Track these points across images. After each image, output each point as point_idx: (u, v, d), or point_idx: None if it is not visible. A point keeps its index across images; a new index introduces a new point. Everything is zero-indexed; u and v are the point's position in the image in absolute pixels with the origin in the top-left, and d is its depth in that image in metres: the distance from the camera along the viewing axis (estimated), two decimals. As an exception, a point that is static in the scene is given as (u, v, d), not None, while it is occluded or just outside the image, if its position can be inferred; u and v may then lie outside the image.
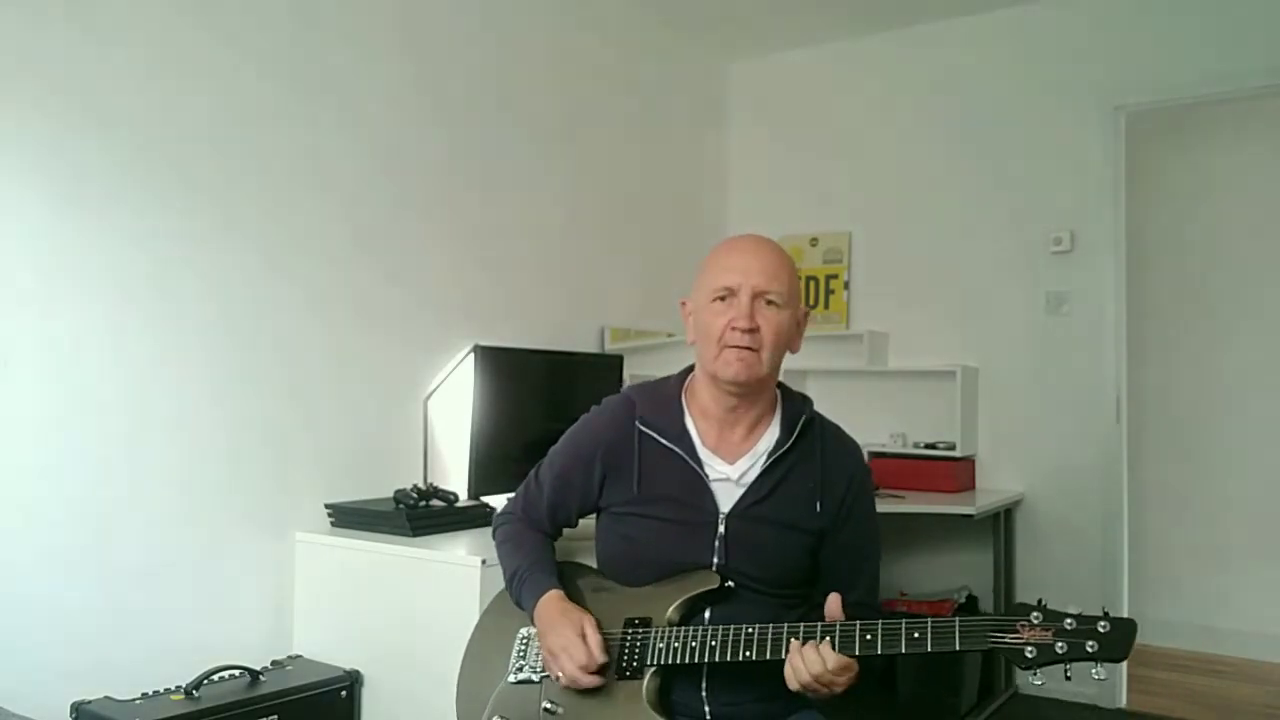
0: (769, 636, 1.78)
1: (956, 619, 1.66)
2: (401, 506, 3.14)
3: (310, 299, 3.31)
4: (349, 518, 3.24)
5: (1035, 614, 1.63)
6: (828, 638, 1.72)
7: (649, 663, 1.87)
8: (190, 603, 2.96)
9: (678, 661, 1.85)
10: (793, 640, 1.75)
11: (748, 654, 1.79)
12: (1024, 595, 4.67)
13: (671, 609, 1.90)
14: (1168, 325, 5.63)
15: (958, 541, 4.85)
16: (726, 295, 1.94)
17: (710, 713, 1.93)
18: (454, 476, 3.61)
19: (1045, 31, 4.77)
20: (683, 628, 1.88)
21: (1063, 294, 4.68)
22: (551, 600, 1.96)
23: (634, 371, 4.38)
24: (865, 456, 4.34)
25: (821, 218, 5.35)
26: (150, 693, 2.69)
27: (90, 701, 2.61)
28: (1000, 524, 4.61)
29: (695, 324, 2.02)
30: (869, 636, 1.71)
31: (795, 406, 2.05)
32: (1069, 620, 1.61)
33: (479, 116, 3.99)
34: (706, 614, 1.92)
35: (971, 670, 4.39)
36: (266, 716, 2.71)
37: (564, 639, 1.87)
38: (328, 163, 3.38)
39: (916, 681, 4.31)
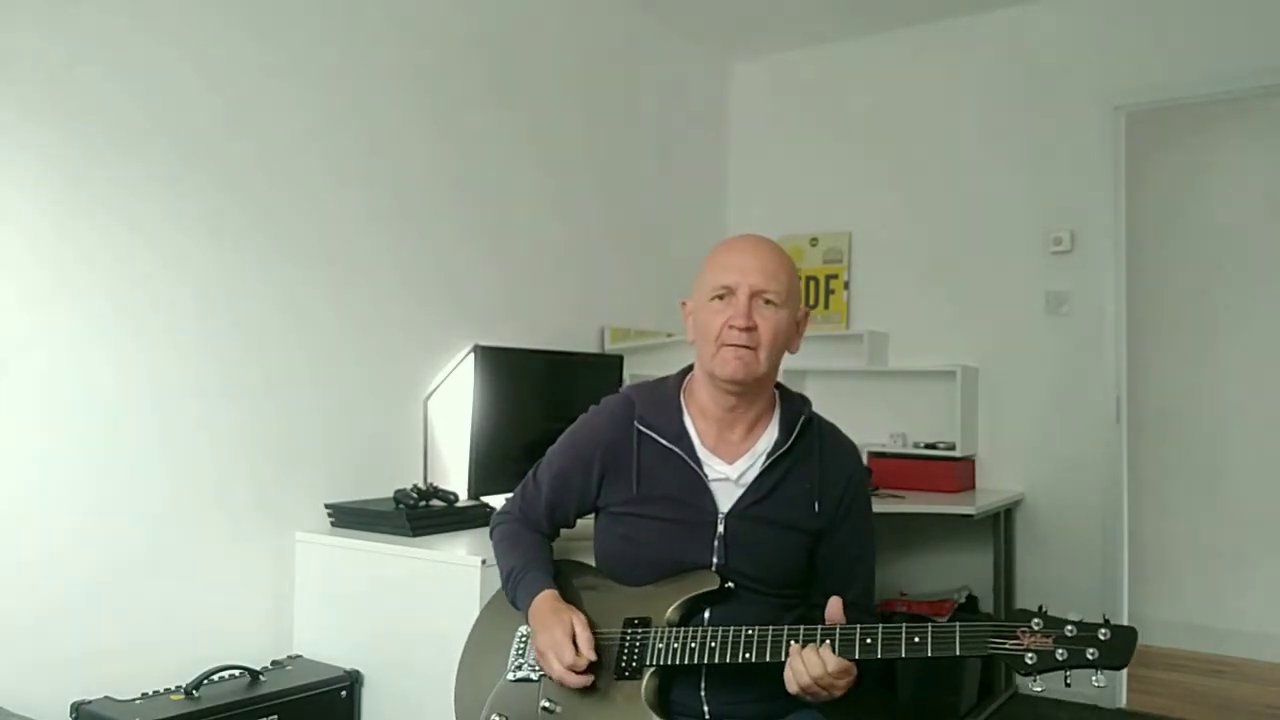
0: (769, 638, 1.78)
1: (957, 624, 1.66)
2: (401, 506, 3.14)
3: (311, 299, 3.31)
4: (349, 518, 3.24)
5: (1036, 620, 1.63)
6: (828, 641, 1.72)
7: (648, 663, 1.87)
8: (190, 603, 2.96)
9: (677, 662, 1.85)
10: (793, 643, 1.75)
11: (747, 656, 1.79)
12: (1024, 595, 4.68)
13: (671, 609, 1.91)
14: (1168, 325, 5.63)
15: (958, 541, 4.85)
16: (725, 294, 1.94)
17: (709, 712, 1.93)
18: (454, 476, 3.61)
19: (1045, 31, 4.77)
20: (682, 629, 1.88)
21: (1063, 294, 4.68)
22: (545, 600, 1.96)
23: (634, 371, 4.38)
24: (864, 455, 4.38)
25: (821, 218, 5.35)
26: (150, 693, 2.69)
27: (90, 701, 2.61)
28: (1000, 524, 4.61)
29: (694, 323, 2.02)
30: (869, 640, 1.71)
31: (794, 407, 2.05)
32: (1070, 627, 1.61)
33: (479, 116, 3.99)
34: (706, 614, 1.93)
35: (971, 671, 4.38)
36: (266, 716, 2.71)
37: (552, 638, 1.87)
38: (328, 163, 3.38)
39: (916, 682, 4.32)
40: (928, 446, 4.84)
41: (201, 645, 2.92)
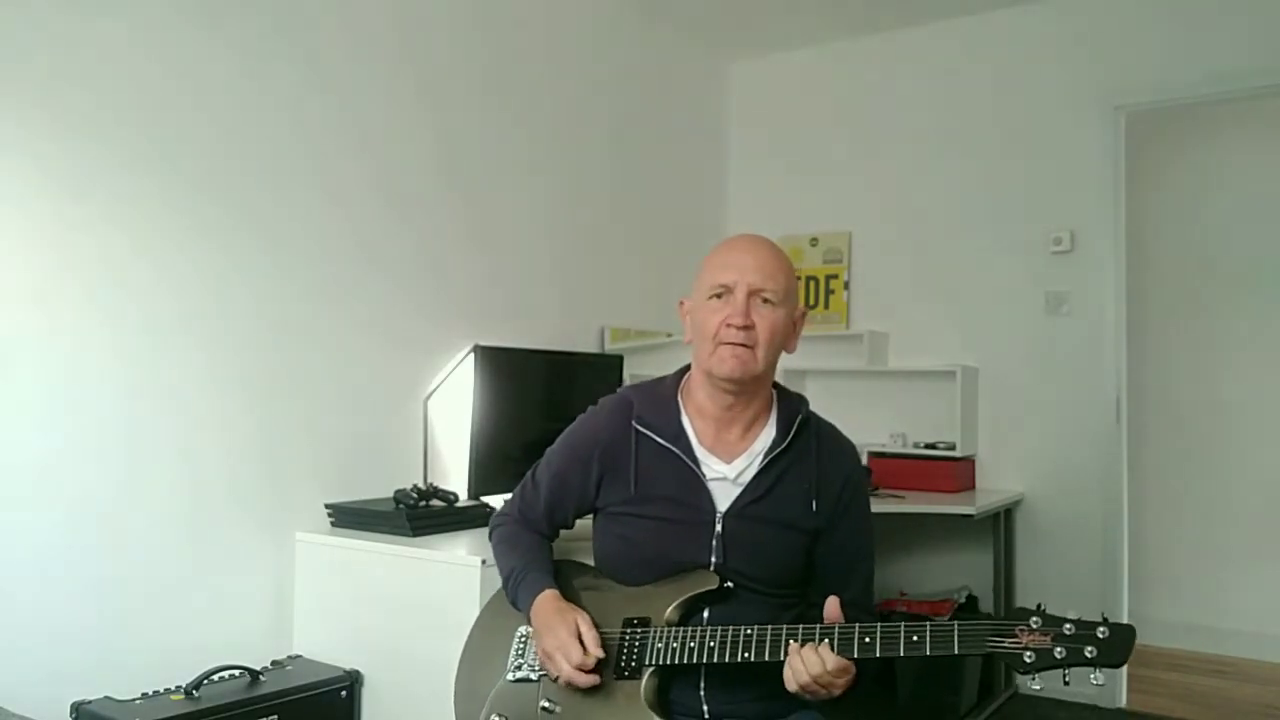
0: (768, 638, 1.79)
1: (955, 623, 1.66)
2: (401, 506, 3.14)
3: (310, 299, 3.31)
4: (349, 518, 3.24)
5: (1034, 618, 1.64)
6: (827, 639, 1.73)
7: (647, 662, 1.87)
8: (190, 602, 2.96)
9: (676, 662, 1.86)
10: (792, 642, 1.75)
11: (746, 655, 1.79)
12: (1024, 595, 4.68)
13: (670, 609, 1.91)
14: (1168, 325, 5.64)
15: (958, 541, 4.85)
16: (722, 293, 1.95)
17: (709, 712, 1.93)
18: (454, 476, 3.61)
19: (1045, 31, 4.77)
20: (682, 628, 1.88)
21: (1063, 294, 4.68)
22: (547, 600, 1.97)
23: (634, 371, 4.38)
24: (864, 455, 4.38)
25: (821, 218, 5.35)
26: (150, 693, 2.69)
27: (90, 701, 2.61)
28: (1000, 524, 4.61)
29: (692, 322, 2.03)
30: (868, 639, 1.71)
31: (791, 406, 2.06)
32: (1068, 625, 1.62)
33: (479, 116, 3.99)
34: (705, 614, 1.93)
35: (971, 670, 4.39)
36: (266, 716, 2.71)
37: (559, 639, 1.87)
38: (328, 163, 3.38)
39: (916, 681, 4.31)
40: (928, 446, 4.84)
41: (201, 645, 2.92)
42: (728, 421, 2.01)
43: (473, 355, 3.59)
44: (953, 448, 4.74)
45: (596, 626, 1.91)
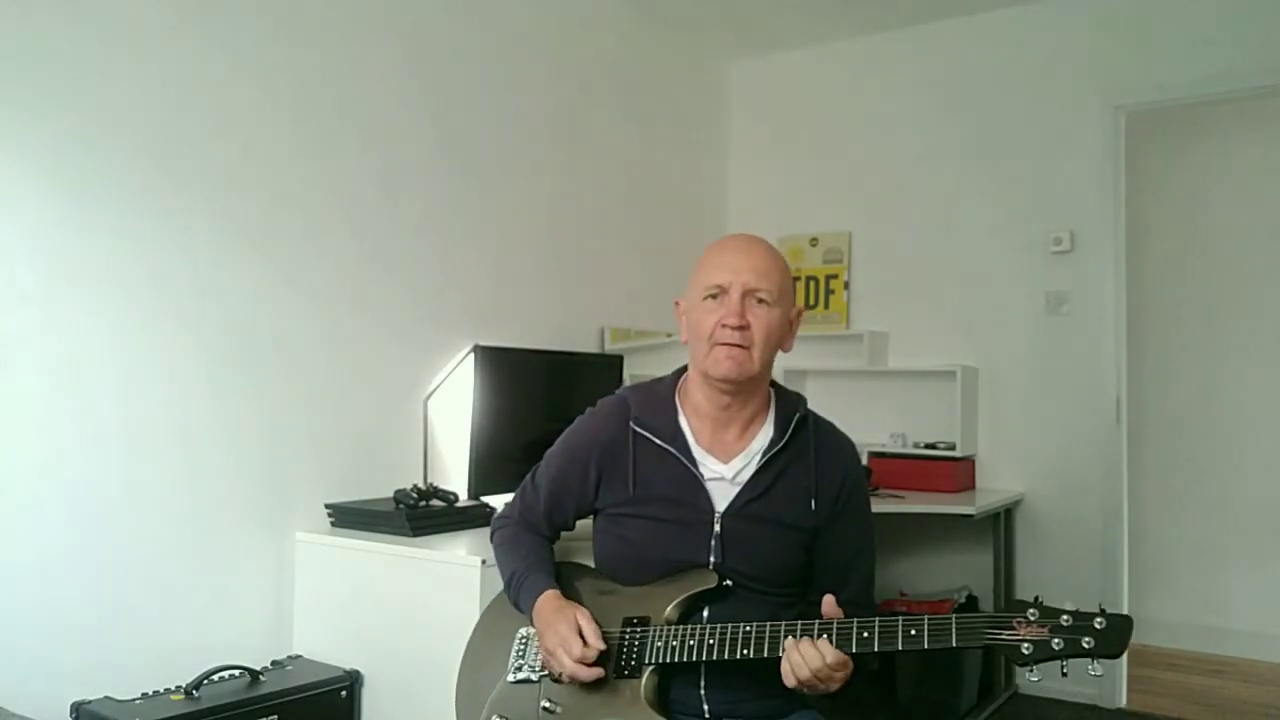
0: (766, 635, 1.79)
1: (953, 616, 1.67)
2: (401, 506, 3.14)
3: (310, 299, 3.31)
4: (349, 518, 3.24)
5: (1032, 610, 1.64)
6: (825, 635, 1.73)
7: (647, 661, 1.87)
8: (190, 603, 2.96)
9: (676, 660, 1.86)
10: (790, 637, 1.76)
11: (745, 652, 1.80)
12: (1024, 595, 4.65)
13: (670, 608, 1.91)
14: (1168, 325, 5.64)
15: (958, 541, 4.85)
16: (718, 293, 1.95)
17: (709, 711, 1.94)
18: (454, 476, 3.61)
19: (1045, 31, 4.77)
20: (681, 626, 1.88)
21: (1063, 294, 4.68)
22: (548, 600, 1.97)
23: (634, 371, 4.38)
24: (864, 455, 4.37)
25: (821, 218, 5.36)
26: (150, 693, 2.69)
27: (90, 701, 2.61)
28: (1000, 524, 4.61)
29: (688, 323, 2.04)
30: (866, 634, 1.72)
31: (789, 405, 2.06)
32: (1065, 617, 1.62)
33: (479, 116, 4.00)
34: (705, 613, 1.93)
35: (971, 670, 4.38)
36: (266, 716, 2.71)
37: (559, 635, 1.88)
38: (328, 163, 3.39)
39: (916, 682, 4.31)
40: (928, 446, 4.84)
41: (201, 645, 2.93)
42: (725, 421, 2.02)
43: (473, 355, 3.59)
44: (953, 448, 4.74)
45: (596, 623, 1.91)
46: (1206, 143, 5.57)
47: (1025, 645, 1.62)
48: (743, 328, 1.92)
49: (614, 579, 2.04)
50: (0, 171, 2.56)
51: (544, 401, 3.90)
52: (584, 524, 2.18)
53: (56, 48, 2.67)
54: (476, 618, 2.24)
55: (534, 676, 1.98)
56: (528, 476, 2.21)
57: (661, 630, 1.89)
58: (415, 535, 3.06)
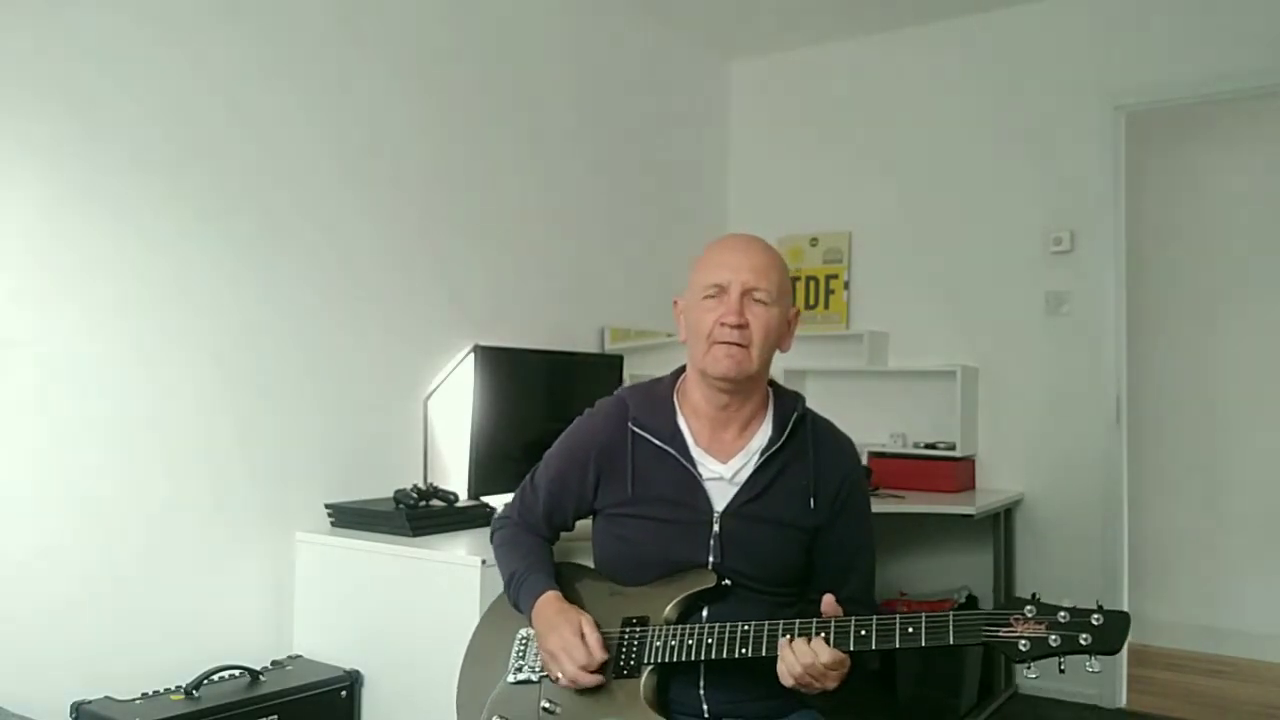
0: (764, 633, 1.79)
1: (950, 613, 1.67)
2: (401, 506, 3.14)
3: (311, 299, 3.32)
4: (349, 518, 3.24)
5: (1029, 607, 1.64)
6: (823, 633, 1.73)
7: (646, 661, 1.88)
8: (190, 603, 2.97)
9: (674, 659, 1.86)
10: (787, 635, 1.76)
11: (743, 651, 1.80)
12: (1024, 595, 4.66)
13: (669, 608, 1.92)
14: (1168, 325, 5.63)
15: (958, 541, 4.85)
16: (716, 292, 1.95)
17: (708, 711, 1.94)
18: (454, 476, 3.61)
19: (1045, 31, 4.77)
20: (679, 626, 1.88)
21: (1063, 294, 4.68)
22: (549, 601, 1.97)
23: (634, 371, 4.39)
24: (864, 455, 4.37)
25: (821, 218, 5.36)
26: (150, 693, 2.70)
27: (90, 701, 2.62)
28: (1000, 524, 4.61)
29: (686, 322, 2.04)
30: (864, 632, 1.72)
31: (787, 404, 2.06)
32: (1063, 613, 1.62)
33: (479, 116, 4.00)
34: (704, 612, 1.93)
35: (971, 670, 4.38)
36: (266, 716, 2.71)
37: (563, 639, 1.88)
38: (328, 163, 3.39)
39: (916, 682, 4.32)
40: (928, 446, 4.84)
41: (201, 645, 2.93)
42: (723, 421, 2.02)
43: (473, 355, 3.59)
44: (953, 448, 4.74)
45: (598, 627, 1.91)
46: (1206, 143, 5.57)
47: (1022, 642, 1.62)
48: (741, 326, 1.92)
49: (613, 579, 2.04)
50: (1, 171, 2.57)
51: (544, 401, 3.90)
52: (583, 524, 2.18)
53: (57, 49, 2.68)
54: (476, 618, 2.24)
55: (534, 677, 1.98)
56: (527, 477, 2.21)
57: (661, 630, 1.89)
58: (415, 535, 3.06)
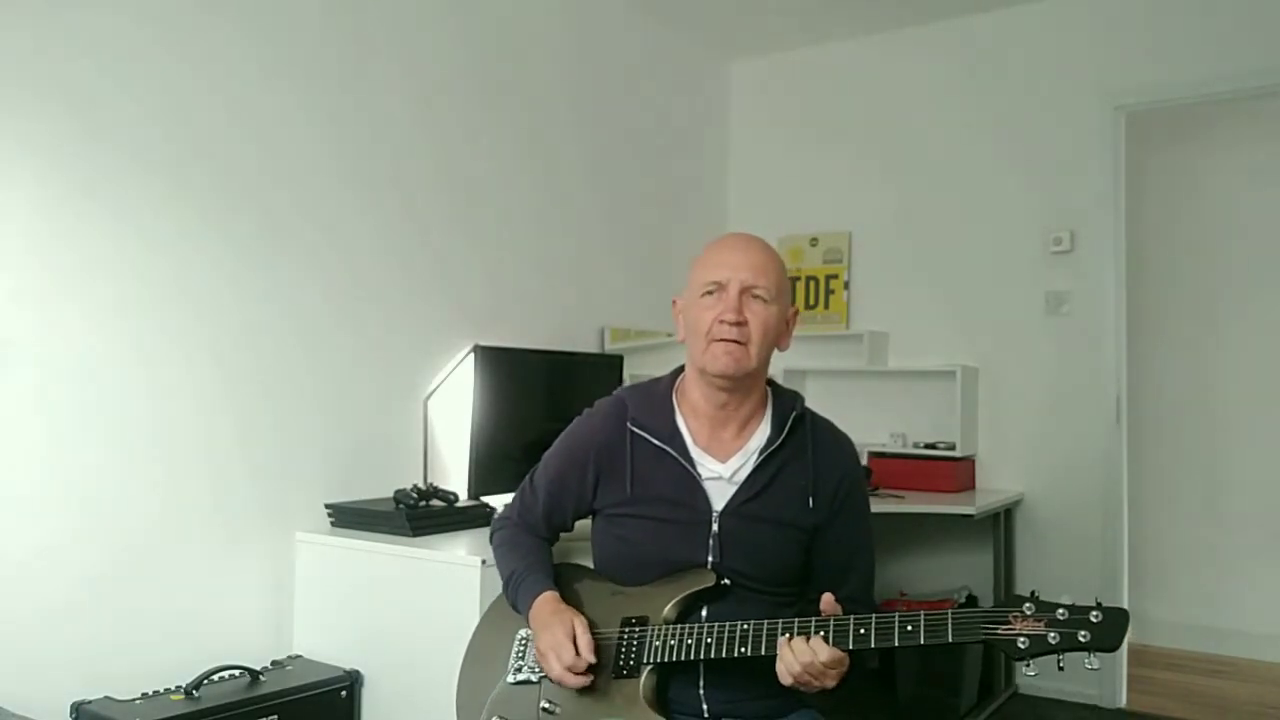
0: (764, 632, 1.79)
1: (949, 611, 1.67)
2: (401, 506, 3.14)
3: (311, 299, 3.32)
4: (349, 518, 3.24)
5: (1028, 605, 1.65)
6: (821, 631, 1.73)
7: (645, 661, 1.88)
8: (190, 602, 2.97)
9: (673, 659, 1.86)
10: (786, 634, 1.76)
11: (743, 650, 1.80)
12: (1022, 594, 4.66)
13: (668, 607, 1.92)
14: (1168, 325, 5.63)
15: (958, 541, 4.85)
16: (715, 290, 1.96)
17: (708, 710, 1.94)
18: (454, 476, 3.62)
19: (1045, 31, 4.77)
20: (679, 625, 1.89)
21: (1063, 294, 4.68)
22: (545, 601, 1.97)
23: (634, 371, 4.39)
24: (864, 455, 4.37)
25: (821, 218, 5.36)
26: (150, 693, 2.70)
27: (90, 701, 2.62)
28: (1000, 524, 4.61)
29: (685, 321, 2.04)
30: (863, 630, 1.72)
31: (786, 403, 2.06)
32: (1061, 611, 1.62)
33: (479, 116, 4.00)
34: (703, 612, 1.93)
35: (971, 669, 4.38)
36: (266, 716, 2.71)
37: (554, 638, 1.88)
38: (329, 164, 3.39)
39: (916, 681, 4.31)
40: (928, 446, 4.84)
41: (201, 645, 2.93)
42: (722, 420, 2.02)
43: (473, 355, 3.59)
44: (953, 448, 4.74)
45: (594, 629, 1.91)
46: (1206, 143, 5.57)
47: (1021, 640, 1.62)
48: (740, 323, 1.92)
49: (613, 579, 2.04)
50: (1, 171, 2.57)
51: (544, 401, 3.90)
52: (583, 525, 2.18)
53: (57, 49, 2.68)
54: (476, 618, 2.24)
55: (534, 677, 1.98)
56: (526, 478, 2.21)
57: (660, 630, 1.89)
58: (415, 535, 3.07)
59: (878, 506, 3.60)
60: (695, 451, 2.00)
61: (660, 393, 2.09)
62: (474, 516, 3.31)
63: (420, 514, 3.14)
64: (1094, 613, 1.61)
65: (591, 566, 2.14)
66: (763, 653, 1.78)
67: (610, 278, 4.70)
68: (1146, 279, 5.48)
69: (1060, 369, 4.69)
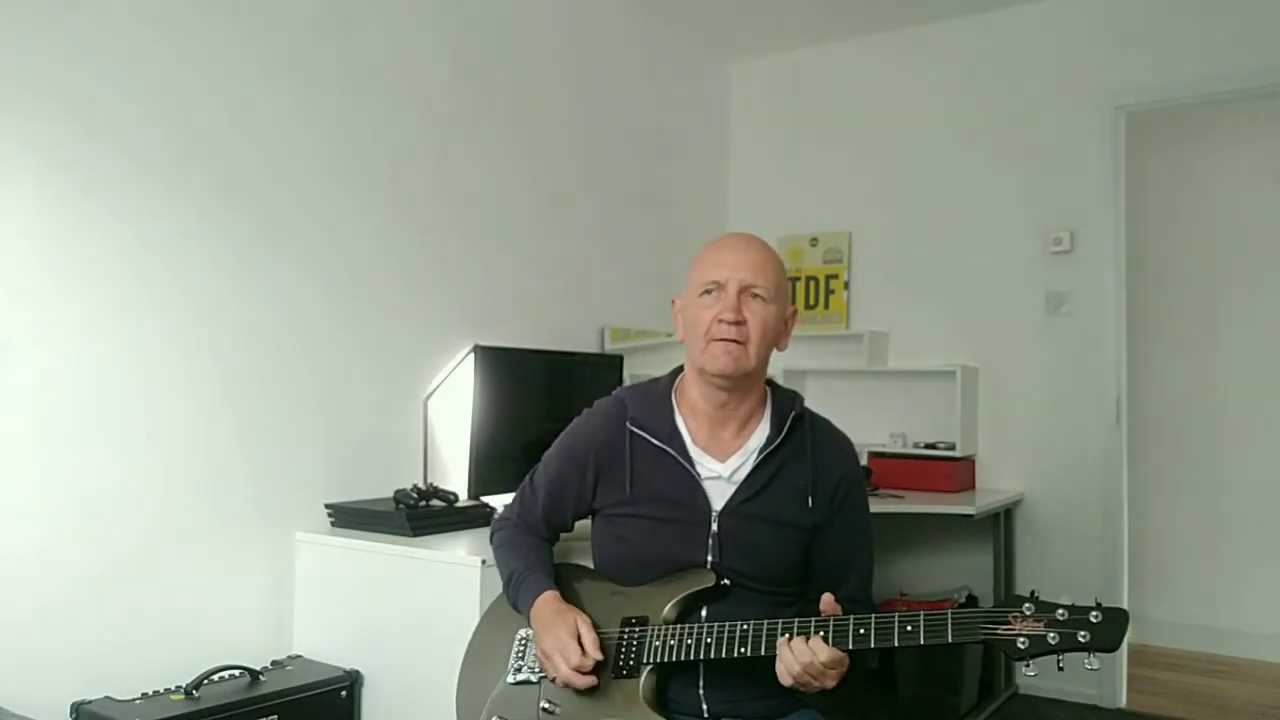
0: (763, 632, 1.79)
1: (949, 611, 1.67)
2: (401, 506, 3.14)
3: (311, 299, 3.32)
4: (349, 518, 3.24)
5: (1028, 605, 1.65)
6: (821, 632, 1.73)
7: (645, 661, 1.88)
8: (190, 603, 2.97)
9: (673, 659, 1.86)
10: (786, 634, 1.76)
11: (742, 650, 1.80)
12: (1023, 595, 4.66)
13: (668, 607, 1.92)
14: (1168, 325, 5.63)
15: (958, 541, 4.85)
16: (714, 289, 1.96)
17: (708, 710, 1.94)
18: (454, 476, 3.62)
19: (1045, 32, 4.77)
20: (678, 625, 1.89)
21: (1063, 294, 4.68)
22: (546, 601, 1.97)
23: (634, 371, 4.39)
24: (863, 456, 4.37)
25: (821, 218, 5.36)
26: (150, 693, 2.70)
27: (90, 701, 2.62)
28: (1000, 524, 4.61)
29: (684, 320, 2.04)
30: (862, 630, 1.72)
31: (785, 403, 2.06)
32: (1061, 611, 1.62)
33: (479, 116, 4.00)
34: (703, 612, 1.93)
35: (971, 670, 4.38)
36: (266, 716, 2.71)
37: (558, 640, 1.88)
38: (329, 164, 3.39)
39: (916, 682, 4.31)
40: (928, 446, 4.84)
41: (201, 645, 2.93)
42: (721, 420, 2.02)
43: (473, 355, 3.59)
44: (952, 448, 4.74)
45: (596, 628, 1.91)
46: (1206, 143, 5.57)
47: (1021, 640, 1.62)
48: (739, 323, 1.92)
49: (612, 579, 2.04)
50: (1, 171, 2.57)
51: (544, 401, 3.90)
52: (583, 525, 2.18)
53: (57, 49, 2.68)
54: (476, 618, 2.24)
55: (534, 678, 1.98)
56: (526, 478, 2.21)
57: (660, 630, 1.89)
58: (415, 535, 3.07)
59: (877, 506, 3.60)
60: (694, 451, 2.00)
61: (659, 392, 2.09)
62: (474, 516, 3.31)
63: (420, 514, 3.14)
64: (1094, 613, 1.61)
65: (591, 566, 2.13)
66: (762, 653, 1.78)
67: (610, 278, 4.70)
68: (1146, 279, 5.48)
69: (1060, 369, 4.69)
